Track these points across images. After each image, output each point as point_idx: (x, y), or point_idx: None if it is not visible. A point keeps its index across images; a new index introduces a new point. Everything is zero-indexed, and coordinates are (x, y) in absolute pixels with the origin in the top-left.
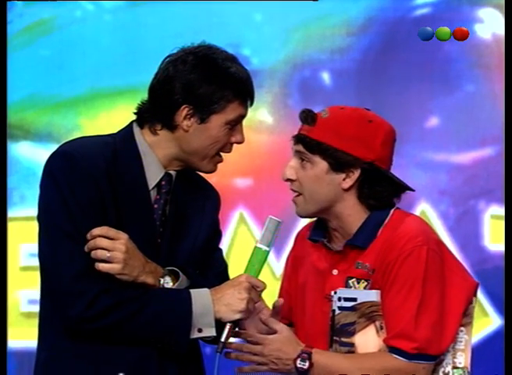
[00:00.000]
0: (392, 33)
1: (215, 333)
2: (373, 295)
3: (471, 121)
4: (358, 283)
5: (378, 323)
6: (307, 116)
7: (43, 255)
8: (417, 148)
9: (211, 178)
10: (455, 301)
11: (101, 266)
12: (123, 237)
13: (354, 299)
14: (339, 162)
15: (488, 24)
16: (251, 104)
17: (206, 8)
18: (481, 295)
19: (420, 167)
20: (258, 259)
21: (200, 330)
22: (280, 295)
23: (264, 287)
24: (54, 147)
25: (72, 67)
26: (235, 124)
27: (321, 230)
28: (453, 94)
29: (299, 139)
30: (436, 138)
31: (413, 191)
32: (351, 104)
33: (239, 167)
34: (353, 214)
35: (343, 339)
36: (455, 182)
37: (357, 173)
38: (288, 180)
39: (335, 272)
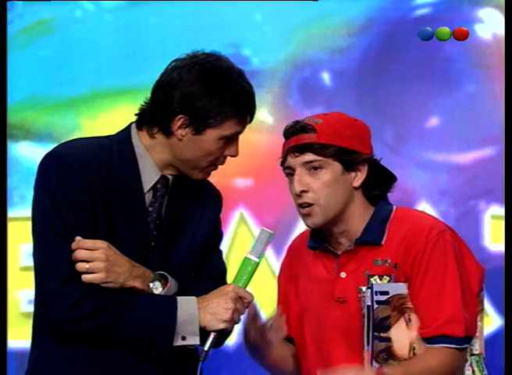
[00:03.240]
0: (392, 33)
1: (198, 342)
2: (401, 288)
3: (472, 121)
4: (381, 279)
5: (406, 315)
6: (306, 126)
7: (35, 257)
8: (418, 148)
9: (211, 178)
10: (473, 285)
11: (84, 278)
12: (101, 245)
13: (387, 293)
14: (350, 161)
15: (489, 24)
16: (251, 120)
17: (206, 8)
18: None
19: (420, 167)
20: (248, 270)
21: (184, 338)
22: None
23: (252, 299)
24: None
25: (73, 67)
26: (230, 139)
27: (318, 237)
28: (453, 95)
29: (305, 148)
30: (436, 138)
31: (396, 179)
32: (352, 104)
33: (239, 167)
34: (361, 213)
35: (382, 334)
36: (455, 182)
37: (364, 169)
38: (302, 192)
39: (343, 275)
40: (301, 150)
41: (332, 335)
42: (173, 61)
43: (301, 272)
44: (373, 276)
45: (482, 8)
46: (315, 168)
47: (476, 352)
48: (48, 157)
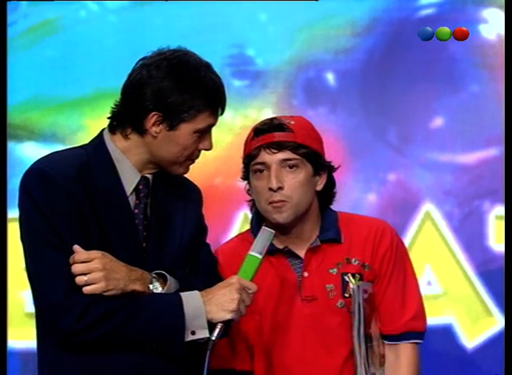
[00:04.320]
0: (396, 33)
1: (208, 335)
2: (371, 287)
3: (476, 121)
4: (353, 277)
5: (375, 314)
6: (282, 124)
7: (31, 273)
8: (422, 148)
9: (215, 179)
10: None
11: (85, 290)
12: (96, 255)
13: (366, 291)
14: (318, 164)
15: (493, 24)
16: (222, 113)
17: (211, 9)
18: (485, 295)
19: (425, 167)
20: (251, 266)
21: (193, 333)
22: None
23: (256, 290)
24: (58, 147)
25: (77, 67)
26: (203, 132)
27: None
28: (457, 95)
29: (283, 146)
30: (441, 138)
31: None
32: (356, 104)
33: None
34: (315, 216)
35: (368, 330)
36: (460, 182)
37: (325, 175)
38: (278, 189)
39: (305, 274)
40: (279, 147)
41: (303, 333)
42: (140, 59)
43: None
44: (346, 273)
45: (486, 8)
46: (291, 166)
47: None
48: (29, 174)
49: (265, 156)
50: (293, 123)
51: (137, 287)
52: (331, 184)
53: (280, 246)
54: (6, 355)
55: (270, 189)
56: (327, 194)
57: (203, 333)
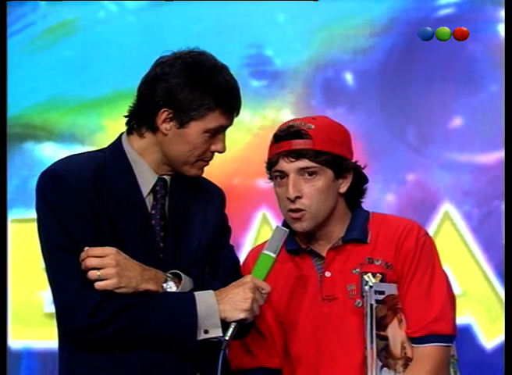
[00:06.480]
0: (415, 33)
1: (221, 334)
2: (393, 288)
3: (495, 121)
4: (374, 277)
5: (398, 315)
6: (300, 131)
7: (47, 274)
8: (441, 148)
9: (233, 179)
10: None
11: (97, 285)
12: (111, 251)
13: (383, 292)
14: (340, 168)
15: None
16: (237, 114)
17: (229, 9)
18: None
19: (443, 168)
20: (265, 265)
21: (206, 332)
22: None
23: (269, 290)
24: (77, 148)
25: (96, 68)
26: (215, 133)
27: (293, 239)
28: (476, 95)
29: (301, 154)
30: (460, 139)
31: (367, 181)
32: (374, 104)
33: (262, 168)
34: (342, 216)
35: (382, 333)
36: (479, 182)
37: (350, 176)
38: (296, 198)
39: (328, 274)
40: (297, 156)
41: (322, 332)
42: (159, 59)
43: (272, 276)
44: (366, 273)
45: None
46: (310, 174)
47: (452, 353)
48: (44, 176)
49: (284, 164)
50: (313, 127)
51: (150, 286)
52: (359, 182)
53: (303, 246)
54: (6, 355)
55: (288, 198)
56: (355, 193)
57: (216, 333)
